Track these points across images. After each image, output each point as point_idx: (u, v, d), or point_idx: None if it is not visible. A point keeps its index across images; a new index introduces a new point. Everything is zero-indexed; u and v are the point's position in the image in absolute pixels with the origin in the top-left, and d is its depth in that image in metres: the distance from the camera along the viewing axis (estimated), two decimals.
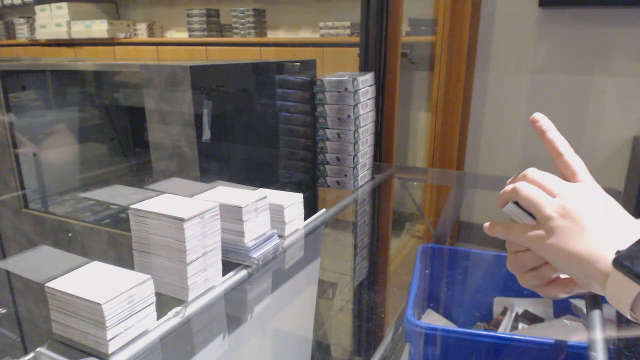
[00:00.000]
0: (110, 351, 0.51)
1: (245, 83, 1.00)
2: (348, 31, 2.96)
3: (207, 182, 0.86)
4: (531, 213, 0.49)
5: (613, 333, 0.79)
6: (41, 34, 4.01)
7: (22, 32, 4.32)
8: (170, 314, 0.60)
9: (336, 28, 2.99)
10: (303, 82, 1.13)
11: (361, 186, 1.22)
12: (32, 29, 4.22)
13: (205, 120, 0.87)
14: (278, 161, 1.15)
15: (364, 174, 1.23)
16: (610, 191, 0.50)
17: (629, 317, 0.42)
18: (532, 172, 0.51)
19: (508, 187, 0.51)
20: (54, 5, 3.84)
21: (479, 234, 2.42)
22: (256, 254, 0.71)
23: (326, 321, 1.29)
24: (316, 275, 0.97)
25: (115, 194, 1.23)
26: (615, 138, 2.06)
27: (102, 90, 1.35)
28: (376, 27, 1.35)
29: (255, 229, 0.72)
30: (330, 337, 1.25)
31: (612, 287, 0.42)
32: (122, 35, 3.73)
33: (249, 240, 0.71)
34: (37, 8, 3.95)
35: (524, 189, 0.49)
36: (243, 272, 0.71)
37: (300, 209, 0.84)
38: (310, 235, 0.87)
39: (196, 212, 0.61)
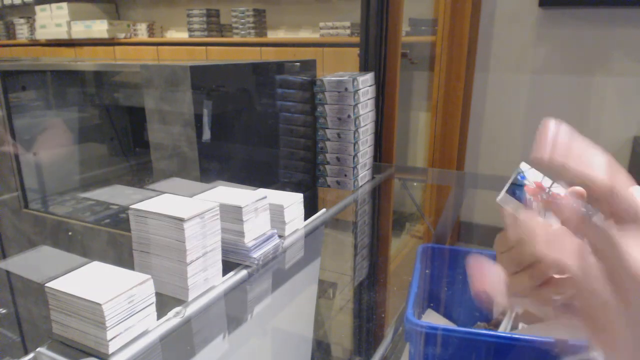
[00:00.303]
0: (110, 351, 0.51)
1: (246, 83, 1.01)
2: (348, 31, 2.96)
3: (207, 182, 0.86)
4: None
5: None
6: (41, 34, 4.01)
7: (22, 32, 4.32)
8: (171, 314, 0.60)
9: (336, 28, 2.99)
10: (303, 82, 1.13)
11: (361, 186, 1.22)
12: (32, 29, 4.22)
13: (206, 120, 0.87)
14: (278, 161, 1.15)
15: (364, 174, 1.23)
16: None
17: None
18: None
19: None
20: (54, 5, 3.84)
21: (479, 233, 2.42)
22: (256, 254, 0.71)
23: (326, 321, 1.29)
24: (316, 275, 0.97)
25: (115, 194, 1.23)
26: (615, 138, 2.06)
27: (102, 90, 1.35)
28: (376, 27, 1.35)
29: (255, 229, 0.72)
30: (330, 337, 1.25)
31: None
32: (122, 35, 3.73)
33: (249, 240, 0.71)
34: (37, 8, 3.95)
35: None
36: (243, 272, 0.71)
37: (300, 209, 0.84)
38: (310, 235, 0.87)
39: (196, 212, 0.61)
